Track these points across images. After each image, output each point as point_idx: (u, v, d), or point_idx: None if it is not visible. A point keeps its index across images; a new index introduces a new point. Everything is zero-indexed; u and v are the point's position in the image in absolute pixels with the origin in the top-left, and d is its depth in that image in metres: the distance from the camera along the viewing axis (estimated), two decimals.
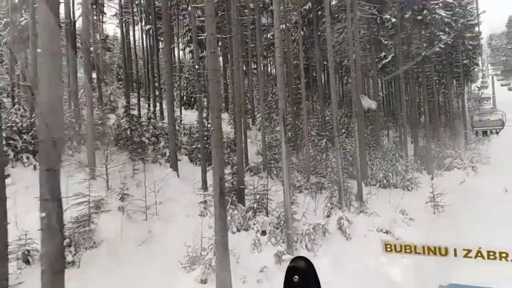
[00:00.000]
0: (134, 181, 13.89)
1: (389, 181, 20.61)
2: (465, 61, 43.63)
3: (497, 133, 21.70)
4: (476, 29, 41.25)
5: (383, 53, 29.79)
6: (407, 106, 35.22)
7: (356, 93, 16.82)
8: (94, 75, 25.88)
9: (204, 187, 14.37)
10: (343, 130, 26.25)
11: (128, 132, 16.10)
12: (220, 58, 30.94)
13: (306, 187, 17.63)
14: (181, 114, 22.52)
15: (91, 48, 27.62)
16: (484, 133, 21.93)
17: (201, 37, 17.56)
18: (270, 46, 40.42)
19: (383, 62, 29.49)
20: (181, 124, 20.40)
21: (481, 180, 25.79)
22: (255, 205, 13.01)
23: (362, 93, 32.88)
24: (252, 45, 37.69)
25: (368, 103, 14.83)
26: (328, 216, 14.92)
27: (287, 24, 30.23)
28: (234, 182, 13.95)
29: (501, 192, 20.52)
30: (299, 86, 34.44)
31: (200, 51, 30.38)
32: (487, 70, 56.34)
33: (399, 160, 22.20)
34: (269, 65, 50.35)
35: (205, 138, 18.96)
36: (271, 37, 40.16)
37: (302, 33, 30.85)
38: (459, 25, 35.90)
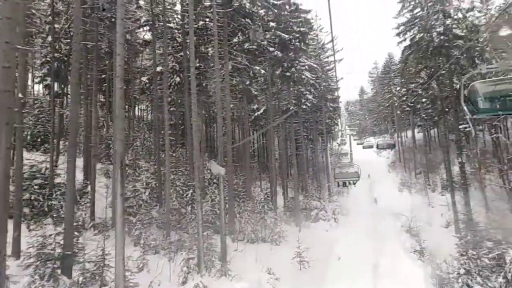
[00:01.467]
0: None
1: (257, 236, 19.16)
2: (327, 121, 47.80)
3: (354, 184, 23.33)
4: (336, 93, 45.93)
5: (256, 106, 29.97)
6: (279, 158, 35.93)
7: (223, 141, 15.32)
8: None
9: (17, 254, 10.47)
10: (214, 180, 24.52)
11: None
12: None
13: (163, 247, 14.83)
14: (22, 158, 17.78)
15: None
16: (344, 184, 23.36)
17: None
18: (145, 90, 37.87)
19: (256, 114, 29.52)
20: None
21: (341, 231, 26.57)
22: (80, 278, 9.70)
23: (232, 142, 32.25)
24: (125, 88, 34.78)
25: (217, 169, 13.37)
26: (184, 283, 12.34)
27: (161, 68, 28.42)
28: (59, 247, 10.43)
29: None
30: (173, 132, 32.37)
31: (59, 85, 26.12)
32: (345, 130, 63.12)
33: (267, 213, 21.15)
34: (147, 109, 47.32)
35: (36, 186, 14.96)
36: (147, 81, 37.67)
37: (178, 79, 29.31)
38: (322, 87, 39.19)
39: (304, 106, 33.02)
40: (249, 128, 35.14)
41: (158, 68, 26.52)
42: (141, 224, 15.53)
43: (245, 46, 21.97)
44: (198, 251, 13.28)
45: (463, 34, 23.75)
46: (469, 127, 30.43)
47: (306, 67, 31.52)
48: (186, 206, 18.60)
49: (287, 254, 18.06)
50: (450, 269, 16.23)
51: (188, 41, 22.68)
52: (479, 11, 30.83)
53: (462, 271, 14.16)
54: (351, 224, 28.89)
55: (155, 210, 18.38)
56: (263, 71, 22.58)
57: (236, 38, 21.65)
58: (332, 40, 29.04)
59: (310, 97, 34.54)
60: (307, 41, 25.94)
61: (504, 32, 25.08)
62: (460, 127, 27.37)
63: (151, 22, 25.18)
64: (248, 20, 20.98)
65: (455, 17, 24.00)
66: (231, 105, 30.00)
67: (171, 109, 32.95)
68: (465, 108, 4.58)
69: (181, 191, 19.05)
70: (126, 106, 37.27)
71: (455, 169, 31.10)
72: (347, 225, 28.44)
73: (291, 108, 26.55)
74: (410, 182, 40.87)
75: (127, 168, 22.98)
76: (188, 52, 22.65)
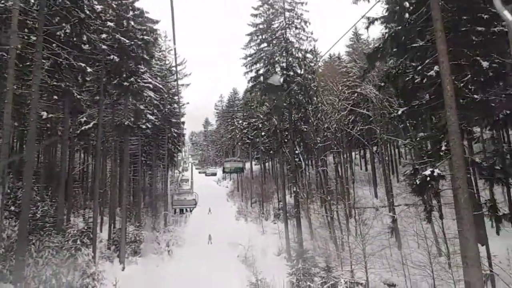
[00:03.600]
0: None
1: (60, 281, 14.06)
2: (170, 147, 44.64)
3: (190, 211, 22.48)
4: (181, 119, 43.65)
5: (84, 118, 24.60)
6: (111, 182, 30.38)
7: (7, 153, 10.46)
8: None
9: None
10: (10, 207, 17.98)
11: None
12: None
13: None
14: None
15: None
16: (181, 211, 21.91)
17: None
18: None
19: (83, 128, 24.11)
20: None
21: (174, 265, 23.25)
22: None
23: (49, 160, 25.74)
24: None
25: None
26: None
27: None
28: None
29: None
30: None
31: None
32: (188, 158, 61.08)
33: (81, 249, 16.18)
34: None
35: None
36: None
37: None
38: (167, 109, 36.23)
39: (144, 126, 29.23)
40: (74, 144, 28.92)
41: None
42: None
43: (73, 41, 17.36)
44: None
45: (301, 72, 24.91)
46: (300, 160, 32.23)
47: (151, 85, 28.20)
48: None
49: None
50: None
51: None
52: (310, 62, 34.00)
53: None
54: (186, 256, 25.85)
55: None
56: (90, 70, 18.11)
57: (63, 32, 16.85)
58: (176, 65, 26.78)
59: (152, 117, 31.03)
60: (151, 51, 22.84)
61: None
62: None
63: None
64: (77, 10, 16.64)
65: (296, 55, 25.09)
66: (50, 115, 23.82)
67: None
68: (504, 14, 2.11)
69: None
70: None
71: (287, 198, 32.15)
72: (182, 258, 25.29)
73: (126, 123, 22.44)
74: (247, 210, 40.93)
75: None
76: None
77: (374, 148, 33.62)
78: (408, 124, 24.93)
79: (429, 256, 19.25)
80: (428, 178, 10.61)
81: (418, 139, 23.95)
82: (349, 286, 13.36)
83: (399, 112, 13.65)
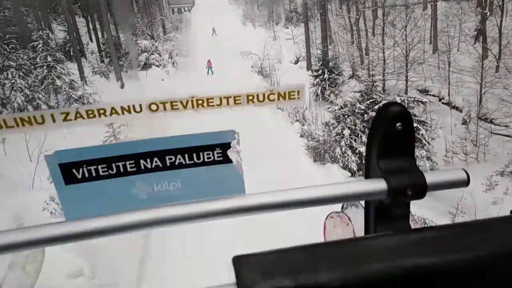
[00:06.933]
0: None
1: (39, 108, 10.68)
2: None
3: (189, 10, 18.66)
4: None
5: None
6: None
7: None
8: None
9: None
10: None
11: None
12: None
13: None
14: None
15: None
16: (179, 10, 18.09)
17: None
18: None
19: None
20: None
21: (182, 76, 19.78)
22: None
23: None
24: None
25: None
26: None
27: None
28: None
29: None
30: None
31: None
32: None
33: (55, 67, 12.14)
34: None
35: None
36: None
37: None
38: None
39: None
40: None
41: None
42: None
43: None
44: None
45: None
46: None
47: None
48: None
49: (97, 132, 10.66)
50: (321, 123, 12.07)
51: None
52: None
53: (346, 132, 9.69)
54: (195, 67, 22.19)
55: None
56: None
57: None
58: None
59: None
60: None
61: None
62: None
63: None
64: None
65: None
66: None
67: None
68: None
69: None
70: None
71: None
72: (190, 69, 21.71)
73: None
74: (253, 14, 34.79)
75: None
76: None
77: None
78: None
79: (481, 58, 15.41)
80: None
81: None
82: (406, 105, 9.93)
83: None
